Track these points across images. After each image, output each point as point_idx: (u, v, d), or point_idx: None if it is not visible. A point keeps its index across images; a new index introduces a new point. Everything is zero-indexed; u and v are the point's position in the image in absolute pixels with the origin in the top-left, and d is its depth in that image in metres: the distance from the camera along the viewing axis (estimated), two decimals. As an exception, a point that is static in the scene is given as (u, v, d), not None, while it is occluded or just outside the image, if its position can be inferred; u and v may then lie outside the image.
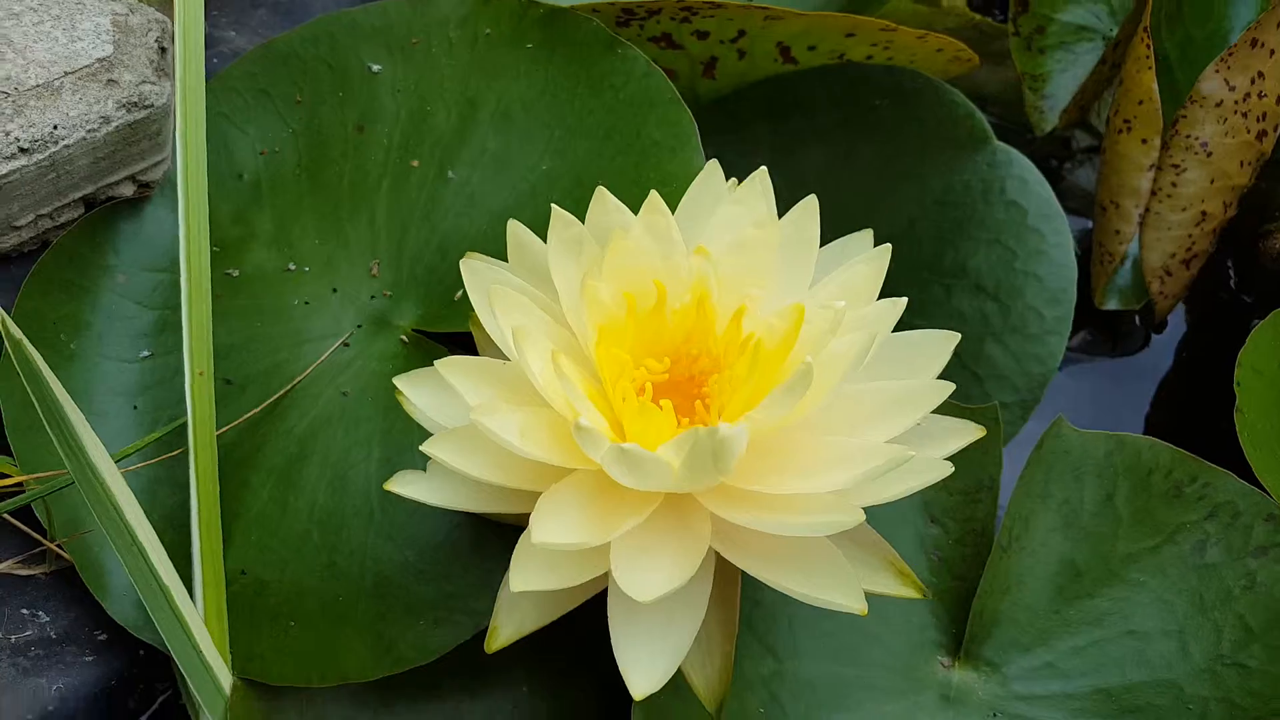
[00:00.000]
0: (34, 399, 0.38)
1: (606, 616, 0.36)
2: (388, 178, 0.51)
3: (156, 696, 0.45)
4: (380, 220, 0.51)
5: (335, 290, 0.50)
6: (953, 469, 0.36)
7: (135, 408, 0.46)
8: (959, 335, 0.40)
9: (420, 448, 0.36)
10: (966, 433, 0.39)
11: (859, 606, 0.34)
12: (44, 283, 0.47)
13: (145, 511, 0.43)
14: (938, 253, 0.56)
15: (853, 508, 0.33)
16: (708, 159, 0.58)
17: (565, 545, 0.34)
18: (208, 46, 0.58)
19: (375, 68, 0.53)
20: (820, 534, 0.35)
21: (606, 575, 0.35)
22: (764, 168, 0.41)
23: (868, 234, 0.42)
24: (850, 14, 0.52)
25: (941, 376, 0.52)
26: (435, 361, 0.37)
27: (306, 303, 0.49)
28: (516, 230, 0.40)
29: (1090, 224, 0.64)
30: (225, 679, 0.41)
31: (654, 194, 0.39)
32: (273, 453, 0.45)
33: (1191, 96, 0.55)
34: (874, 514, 0.45)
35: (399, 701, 0.43)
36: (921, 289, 0.56)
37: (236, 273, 0.50)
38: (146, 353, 0.48)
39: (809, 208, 0.40)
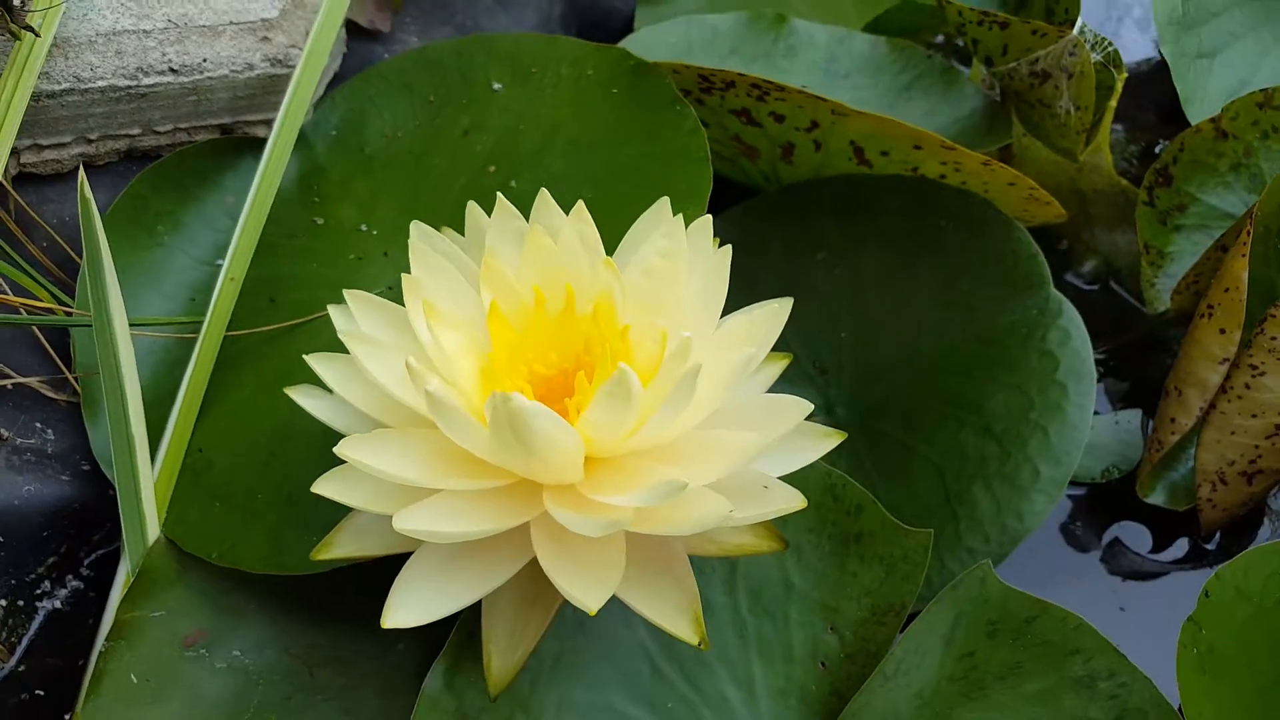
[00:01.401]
0: (85, 249, 0.45)
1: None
2: (465, 177, 0.56)
3: (103, 544, 0.49)
4: (445, 207, 0.55)
5: (385, 254, 0.54)
6: (728, 510, 0.35)
7: (193, 300, 0.53)
8: (810, 406, 0.38)
9: (305, 357, 0.39)
10: (788, 500, 0.38)
11: (592, 607, 0.34)
12: (159, 177, 0.55)
13: (157, 384, 0.49)
14: (962, 386, 0.53)
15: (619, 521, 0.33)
16: (776, 239, 0.59)
17: (382, 472, 0.36)
18: (388, 44, 0.66)
19: (497, 86, 0.58)
20: (594, 533, 0.34)
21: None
22: (709, 218, 0.41)
23: (788, 302, 0.41)
24: (918, 128, 0.50)
25: (925, 507, 0.50)
26: (345, 291, 0.40)
27: (359, 258, 0.54)
28: (473, 211, 0.43)
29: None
30: (153, 531, 0.46)
31: (580, 204, 0.40)
32: (270, 365, 0.50)
33: (1282, 295, 0.48)
34: (774, 604, 0.44)
35: (283, 618, 0.46)
36: (937, 419, 0.53)
37: (321, 221, 0.56)
38: (220, 261, 0.54)
39: (723, 256, 0.40)
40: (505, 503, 0.37)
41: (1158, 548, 0.55)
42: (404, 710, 0.41)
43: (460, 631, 0.41)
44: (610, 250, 0.42)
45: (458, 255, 0.42)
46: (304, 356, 0.39)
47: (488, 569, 0.37)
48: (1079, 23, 0.60)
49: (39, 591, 0.48)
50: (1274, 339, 0.49)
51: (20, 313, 0.46)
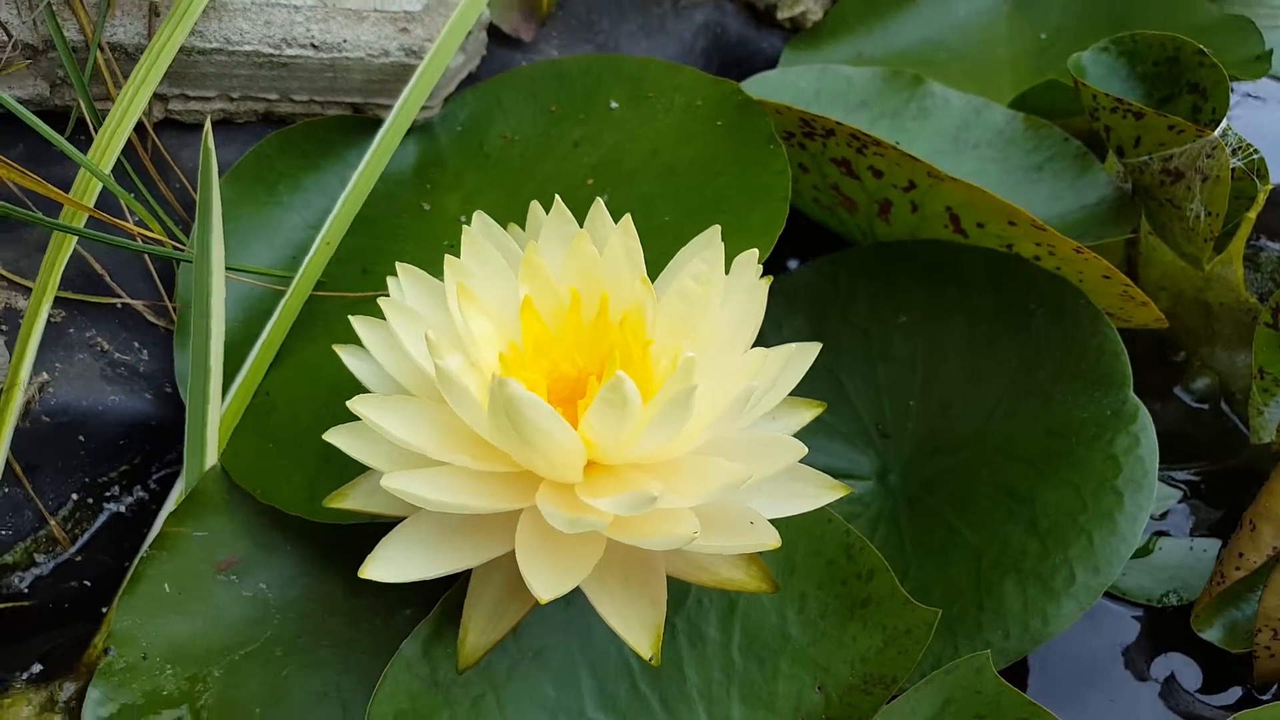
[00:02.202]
0: (199, 192, 0.49)
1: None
2: (564, 185, 0.57)
3: (173, 463, 0.53)
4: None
5: (475, 245, 0.56)
6: (696, 532, 0.35)
7: (294, 258, 0.56)
8: (805, 449, 0.37)
9: (349, 317, 0.41)
10: (766, 537, 0.37)
11: (543, 595, 0.34)
12: (287, 142, 0.59)
13: (245, 326, 0.53)
14: (1021, 475, 0.50)
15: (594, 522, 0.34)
16: (861, 295, 0.57)
17: (390, 434, 0.37)
18: (527, 51, 0.68)
19: (614, 105, 0.60)
20: (565, 529, 0.35)
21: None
22: (755, 251, 0.41)
23: (816, 346, 0.40)
24: (1011, 204, 0.48)
25: (953, 588, 0.48)
26: (408, 269, 0.42)
27: (452, 245, 0.56)
28: (535, 210, 0.44)
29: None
30: (211, 458, 0.49)
31: (627, 219, 0.40)
32: (345, 326, 0.52)
33: (1382, 442, 0.44)
34: (766, 651, 0.43)
35: (313, 563, 0.48)
36: (989, 503, 0.50)
37: (428, 207, 0.59)
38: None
39: (760, 290, 0.40)
40: (501, 488, 0.38)
41: (1207, 688, 0.50)
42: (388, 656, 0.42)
43: (446, 604, 0.42)
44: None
45: (510, 248, 0.43)
46: (349, 318, 0.41)
47: (473, 546, 0.38)
48: (1223, 124, 0.56)
49: (108, 494, 0.52)
50: (1371, 489, 0.44)
51: (136, 240, 0.50)
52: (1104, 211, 0.59)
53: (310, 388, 0.50)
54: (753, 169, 0.52)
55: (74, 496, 0.51)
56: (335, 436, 0.39)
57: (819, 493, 0.39)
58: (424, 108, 0.59)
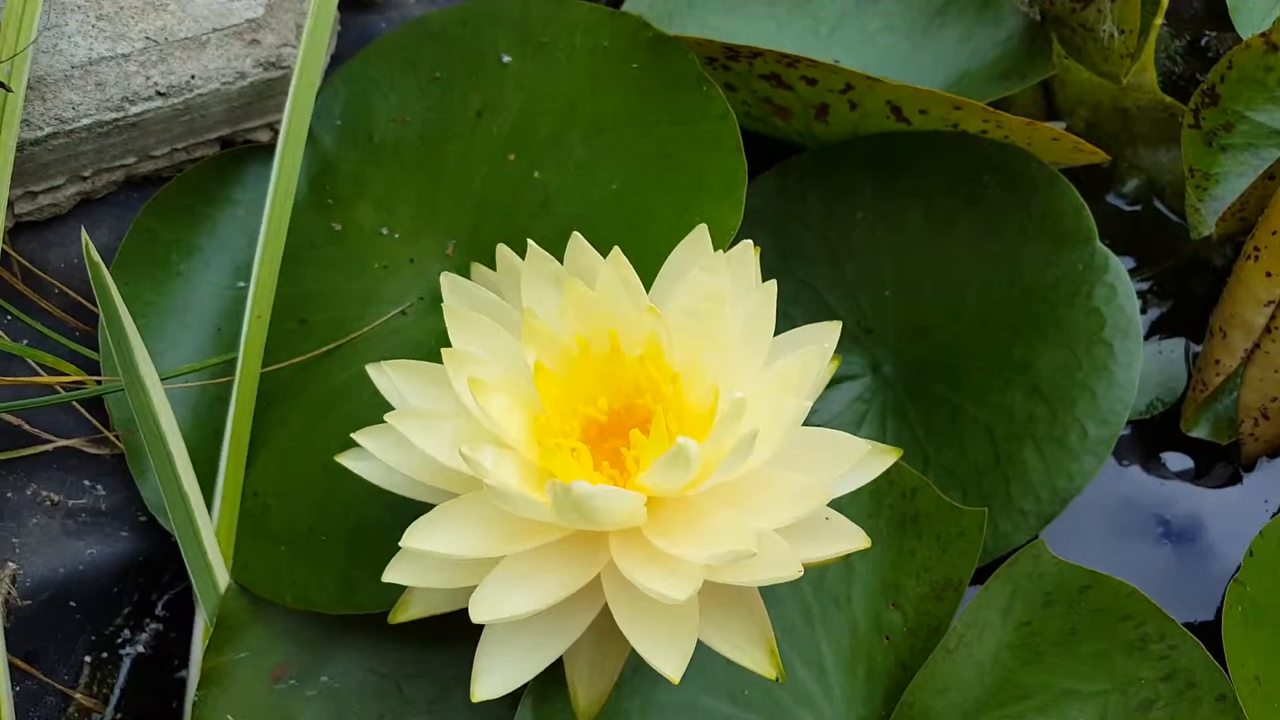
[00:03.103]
0: (103, 315, 0.42)
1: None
2: (486, 166, 0.52)
3: (174, 585, 0.49)
4: (468, 205, 0.52)
5: (412, 261, 0.51)
6: (800, 574, 0.34)
7: (219, 330, 0.50)
8: (891, 460, 0.38)
9: (354, 435, 0.37)
10: (853, 540, 0.37)
11: (673, 674, 0.33)
12: (165, 206, 0.51)
13: (199, 423, 0.48)
14: (1009, 344, 0.51)
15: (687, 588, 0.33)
16: (815, 199, 0.55)
17: (442, 553, 0.35)
18: (383, 11, 0.60)
19: (507, 59, 0.54)
20: (663, 596, 0.33)
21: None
22: (749, 243, 0.39)
23: (837, 325, 0.39)
24: (956, 95, 0.46)
25: (975, 467, 0.49)
26: (393, 363, 0.38)
27: (385, 267, 0.51)
28: (505, 254, 0.40)
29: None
30: (223, 579, 0.45)
31: (616, 250, 0.38)
32: (310, 398, 0.48)
33: (1336, 240, 0.46)
34: (837, 586, 0.44)
35: (363, 638, 0.46)
36: (985, 377, 0.51)
37: (339, 227, 0.53)
38: (242, 284, 0.51)
39: (768, 292, 0.38)
40: (571, 557, 0.37)
41: (1199, 476, 0.54)
42: (492, 714, 0.41)
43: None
44: (644, 269, 0.39)
45: (495, 304, 0.39)
46: (353, 435, 0.38)
47: (565, 622, 0.36)
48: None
49: (120, 641, 0.48)
50: (1326, 280, 0.47)
51: (57, 391, 0.44)
52: (1016, 45, 0.58)
53: (300, 477, 0.47)
54: (690, 115, 0.48)
55: (87, 660, 0.47)
56: (394, 574, 0.36)
57: (875, 461, 0.38)
58: (276, 128, 0.52)
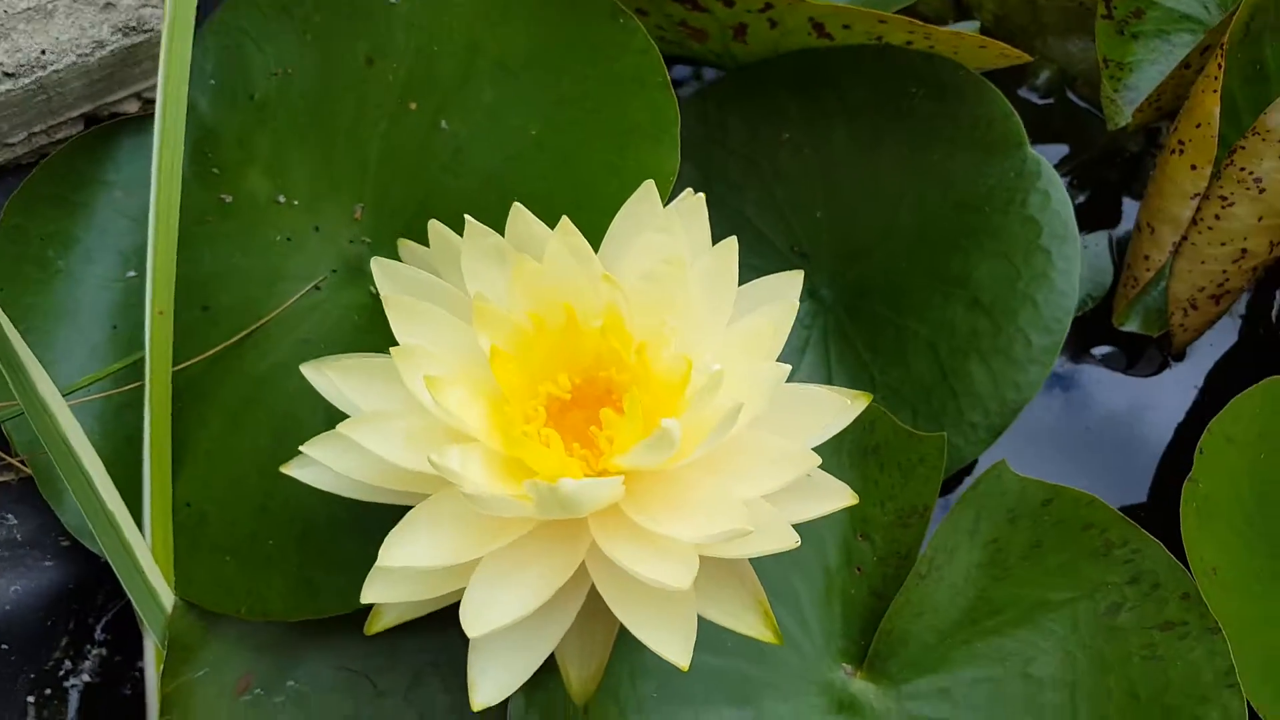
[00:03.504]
0: (-14, 338, 0.38)
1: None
2: (385, 119, 0.48)
3: (111, 605, 0.46)
4: (371, 161, 0.48)
5: (317, 229, 0.47)
6: (796, 543, 0.34)
7: (115, 327, 0.46)
8: (863, 405, 0.37)
9: (301, 447, 0.34)
10: (840, 498, 0.36)
11: (681, 662, 0.33)
12: (32, 198, 0.46)
13: (111, 433, 0.44)
14: (946, 257, 0.51)
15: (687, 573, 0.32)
16: (737, 123, 0.53)
17: (422, 566, 0.33)
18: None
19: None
20: (671, 584, 0.32)
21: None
22: (701, 195, 0.36)
23: (798, 275, 0.38)
24: (884, 12, 0.44)
25: (923, 385, 0.49)
26: (328, 360, 0.36)
27: (288, 239, 0.47)
28: (439, 230, 0.37)
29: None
30: (168, 599, 0.42)
31: (565, 219, 0.35)
32: (229, 392, 0.44)
33: (1255, 128, 0.46)
34: (805, 523, 0.44)
35: (326, 639, 0.43)
36: (924, 294, 0.51)
37: (230, 199, 0.48)
38: (132, 273, 0.47)
39: (728, 249, 0.36)
40: (550, 544, 0.35)
41: (1130, 367, 0.56)
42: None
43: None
44: (582, 222, 0.36)
45: (434, 286, 0.37)
46: (301, 448, 0.35)
47: (555, 613, 0.35)
48: None
49: (62, 674, 0.45)
50: (1243, 169, 0.47)
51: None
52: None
53: (232, 479, 0.43)
54: (606, 50, 0.44)
55: (30, 700, 0.43)
56: (371, 594, 0.34)
57: (849, 407, 0.38)
58: (145, 96, 0.46)
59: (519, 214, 0.36)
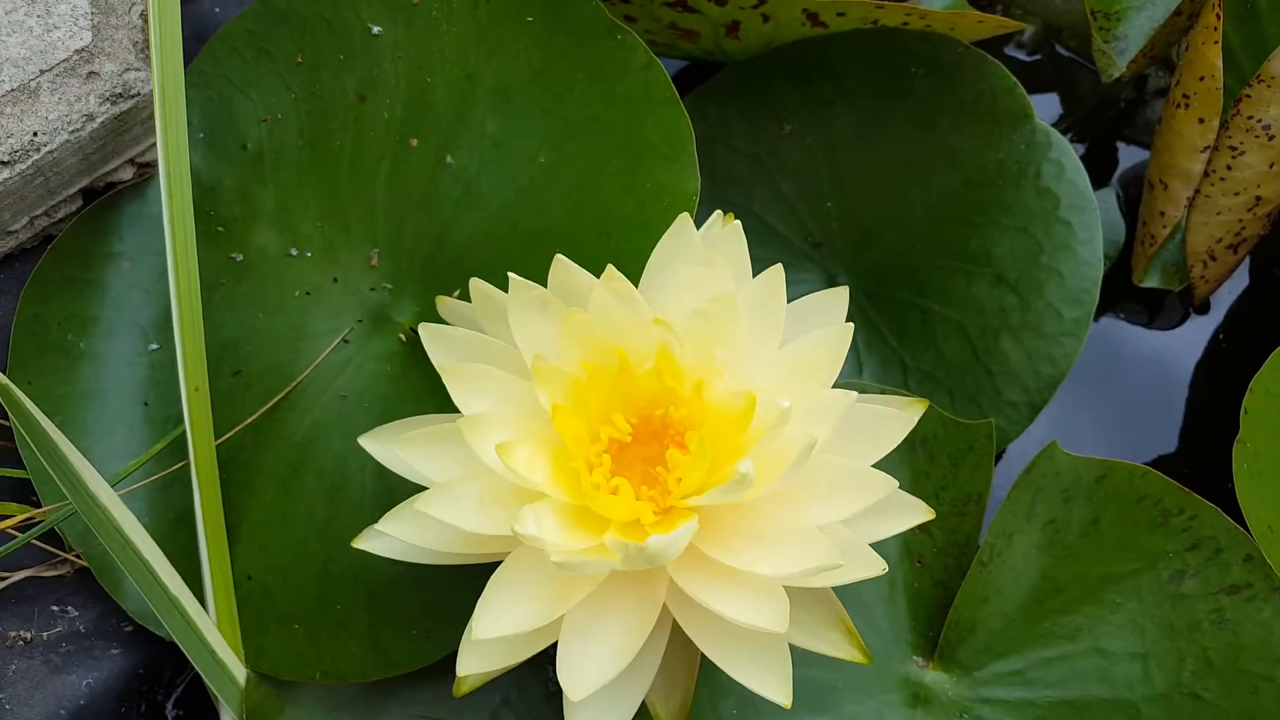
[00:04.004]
0: (30, 442, 0.37)
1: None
2: (387, 158, 0.47)
3: (181, 680, 0.46)
4: (379, 204, 0.47)
5: (336, 280, 0.46)
6: (884, 569, 0.34)
7: (146, 404, 0.45)
8: (921, 410, 0.37)
9: (375, 526, 0.34)
10: (916, 513, 0.37)
11: (784, 700, 0.33)
12: (44, 284, 0.45)
13: (160, 514, 0.44)
14: (964, 236, 0.51)
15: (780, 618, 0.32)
16: (737, 121, 0.52)
17: (512, 634, 0.33)
18: (217, 2, 0.52)
19: (376, 29, 0.47)
20: (764, 626, 0.33)
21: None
22: (737, 223, 0.36)
23: (843, 292, 0.38)
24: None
25: (956, 367, 0.49)
26: (387, 431, 0.35)
27: (308, 293, 0.46)
28: (481, 288, 0.36)
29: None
30: (240, 673, 0.42)
31: (611, 268, 0.35)
32: (273, 458, 0.44)
33: (1259, 75, 0.46)
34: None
35: (401, 691, 0.43)
36: (945, 274, 0.51)
37: (240, 257, 0.47)
38: (155, 346, 0.46)
39: (775, 277, 0.36)
40: (627, 590, 0.35)
41: (1152, 320, 0.57)
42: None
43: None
44: (604, 251, 0.36)
45: (481, 344, 0.36)
46: (375, 527, 0.34)
47: (644, 659, 0.35)
48: None
49: (140, 757, 0.45)
50: (1250, 118, 0.48)
51: (15, 535, 0.39)
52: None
53: (291, 547, 0.43)
54: (607, 69, 0.43)
55: (113, 787, 0.43)
56: (466, 665, 0.34)
57: (905, 414, 0.37)
58: (139, 161, 0.45)
59: (561, 265, 0.36)
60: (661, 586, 0.35)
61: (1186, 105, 0.49)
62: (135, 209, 0.47)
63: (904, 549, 0.45)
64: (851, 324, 0.36)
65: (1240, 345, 0.55)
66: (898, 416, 0.36)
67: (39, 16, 0.41)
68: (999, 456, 0.51)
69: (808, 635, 0.36)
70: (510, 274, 0.35)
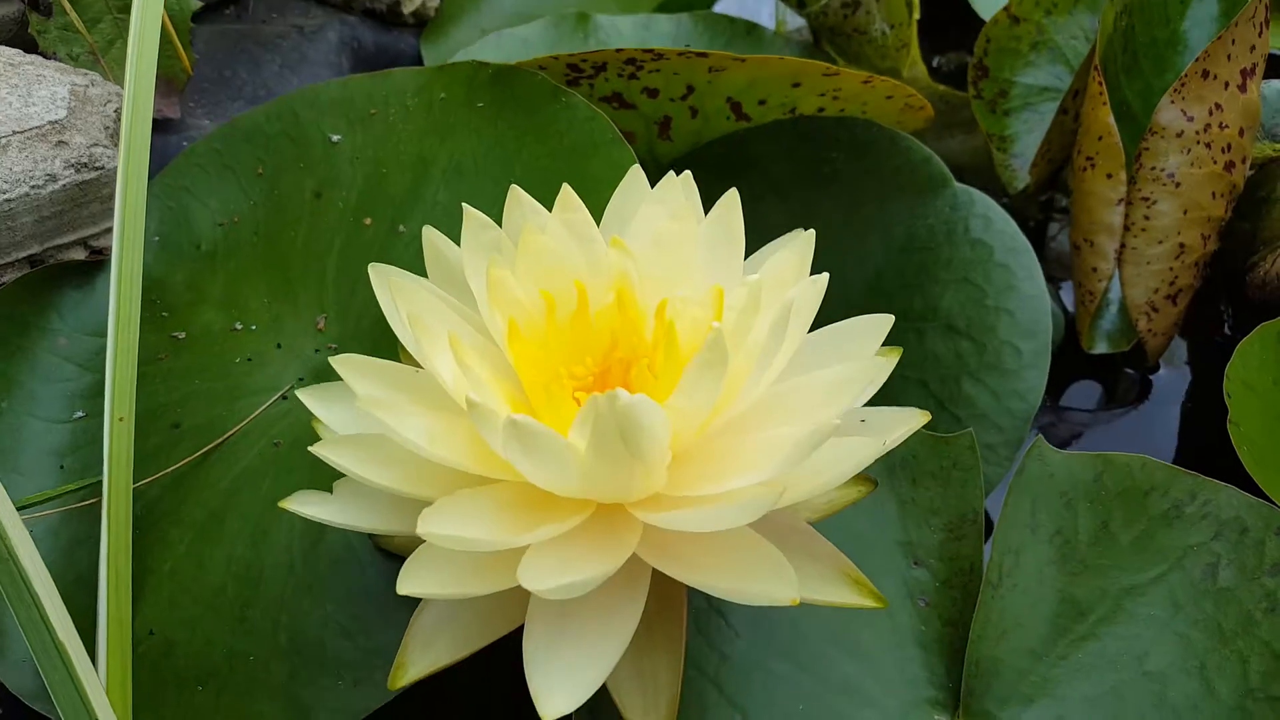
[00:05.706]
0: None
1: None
2: (340, 236, 0.48)
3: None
4: (330, 277, 0.47)
5: (279, 346, 0.45)
6: (884, 449, 0.30)
7: (62, 467, 0.41)
8: (891, 317, 0.35)
9: (310, 448, 0.30)
10: (909, 420, 0.33)
11: (789, 595, 0.28)
12: (-27, 339, 0.43)
13: (59, 574, 0.38)
14: (907, 299, 0.51)
15: (771, 489, 0.28)
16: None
17: (467, 542, 0.28)
18: (181, 131, 0.56)
19: (335, 138, 0.51)
20: (740, 521, 0.28)
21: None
22: (687, 172, 0.36)
23: (809, 234, 0.37)
24: (797, 59, 0.48)
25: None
26: (331, 359, 0.33)
27: (249, 359, 0.45)
28: (433, 238, 0.36)
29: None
30: (125, 751, 0.34)
31: (566, 188, 0.34)
32: (194, 506, 0.40)
33: (1151, 128, 0.50)
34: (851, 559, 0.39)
35: None
36: (894, 337, 0.50)
37: (183, 335, 0.46)
38: (81, 414, 0.43)
39: (731, 201, 0.35)
40: (601, 536, 0.31)
41: (1109, 399, 0.56)
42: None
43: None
44: None
45: (429, 289, 0.35)
46: (311, 449, 0.31)
47: (614, 610, 0.30)
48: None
49: None
50: (1154, 168, 0.51)
51: None
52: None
53: (205, 597, 0.37)
54: (554, 129, 0.46)
55: None
56: (408, 586, 0.28)
57: (882, 363, 0.35)
58: (92, 244, 0.46)
59: (515, 195, 0.35)
60: (632, 535, 0.30)
61: (1093, 165, 0.53)
62: (80, 292, 0.46)
63: (905, 591, 0.40)
64: (813, 229, 0.35)
65: (1202, 402, 0.54)
66: (866, 325, 0.34)
67: (20, 96, 0.44)
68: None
69: (813, 589, 0.32)
70: (464, 205, 0.35)
